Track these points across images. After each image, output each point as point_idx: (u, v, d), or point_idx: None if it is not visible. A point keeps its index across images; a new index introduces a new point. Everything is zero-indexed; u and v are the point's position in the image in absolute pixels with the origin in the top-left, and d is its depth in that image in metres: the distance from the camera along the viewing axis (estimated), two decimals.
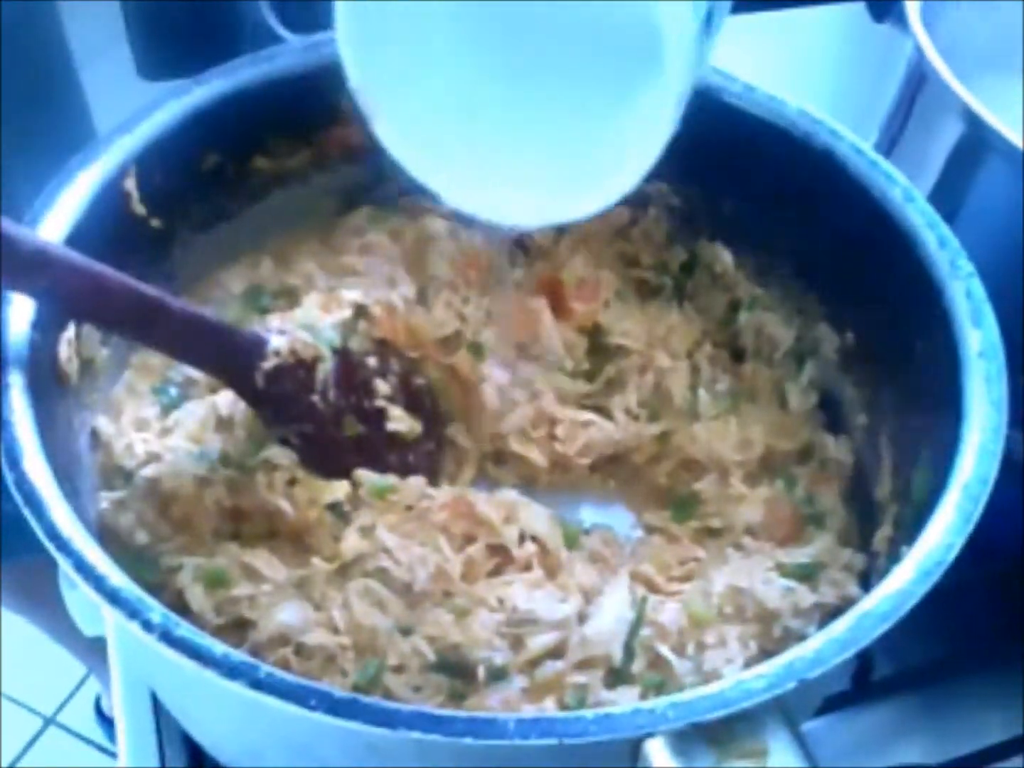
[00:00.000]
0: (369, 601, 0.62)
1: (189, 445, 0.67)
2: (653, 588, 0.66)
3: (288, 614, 0.61)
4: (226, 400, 0.68)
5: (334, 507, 0.66)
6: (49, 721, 1.71)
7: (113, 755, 1.61)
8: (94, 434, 0.67)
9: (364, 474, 0.67)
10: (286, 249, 0.77)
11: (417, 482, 0.67)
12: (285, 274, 0.76)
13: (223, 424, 0.68)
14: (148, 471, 0.65)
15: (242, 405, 0.67)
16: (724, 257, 0.78)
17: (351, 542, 0.64)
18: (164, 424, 0.69)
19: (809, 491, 0.71)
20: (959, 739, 0.76)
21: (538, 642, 0.62)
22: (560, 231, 0.79)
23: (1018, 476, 0.76)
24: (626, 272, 0.79)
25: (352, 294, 0.71)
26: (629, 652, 0.62)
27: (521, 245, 0.79)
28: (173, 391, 0.70)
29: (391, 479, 0.67)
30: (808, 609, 0.64)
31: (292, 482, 0.66)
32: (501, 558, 0.66)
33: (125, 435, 0.67)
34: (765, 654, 0.61)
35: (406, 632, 0.61)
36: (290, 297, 0.74)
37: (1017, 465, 0.72)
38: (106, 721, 1.63)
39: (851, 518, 0.70)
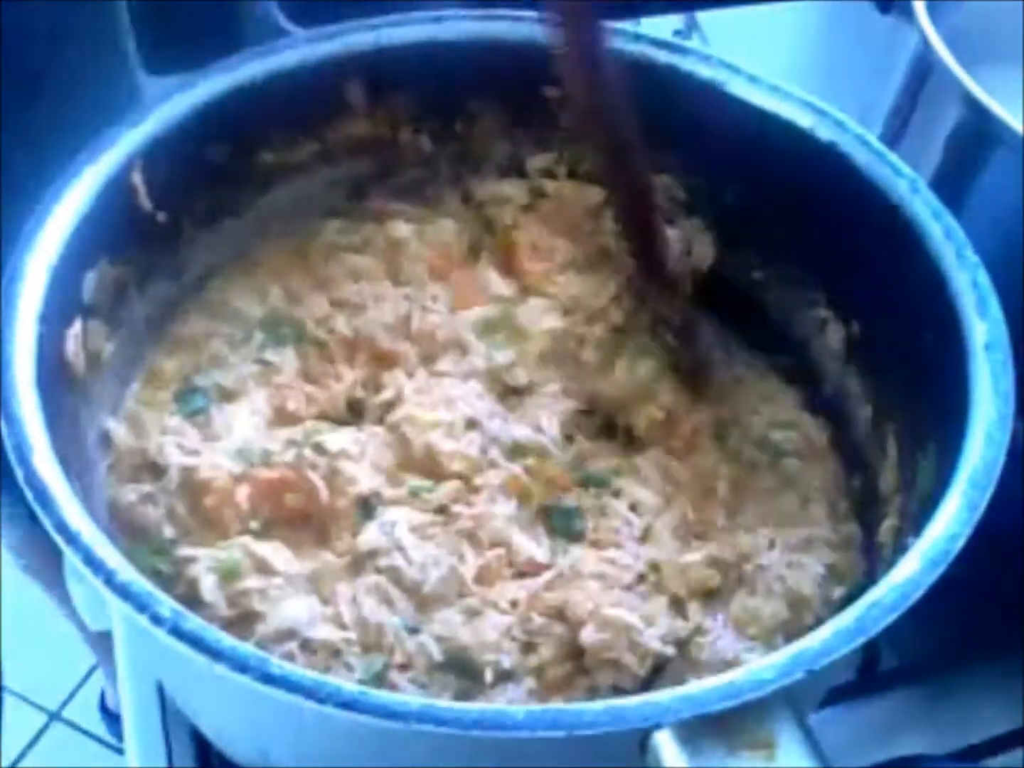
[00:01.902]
0: (378, 598, 0.62)
1: (231, 445, 0.67)
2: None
3: (296, 608, 0.61)
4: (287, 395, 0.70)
5: (365, 503, 0.66)
6: (54, 716, 1.72)
7: (118, 751, 1.62)
8: (106, 436, 0.67)
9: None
10: (272, 272, 0.77)
11: (455, 485, 0.67)
12: (295, 306, 0.75)
13: (285, 418, 0.69)
14: (188, 460, 0.66)
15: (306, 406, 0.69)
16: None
17: (369, 535, 0.64)
18: (206, 429, 0.69)
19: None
20: (965, 730, 0.76)
21: (551, 651, 0.62)
22: (528, 208, 0.80)
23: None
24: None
25: None
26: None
27: (488, 226, 0.80)
28: (199, 399, 0.71)
29: (428, 483, 0.67)
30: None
31: (333, 472, 0.66)
32: (523, 566, 0.65)
33: (152, 438, 0.68)
34: None
35: (413, 631, 0.61)
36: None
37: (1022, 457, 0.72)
38: (111, 717, 1.64)
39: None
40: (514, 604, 0.63)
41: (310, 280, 0.76)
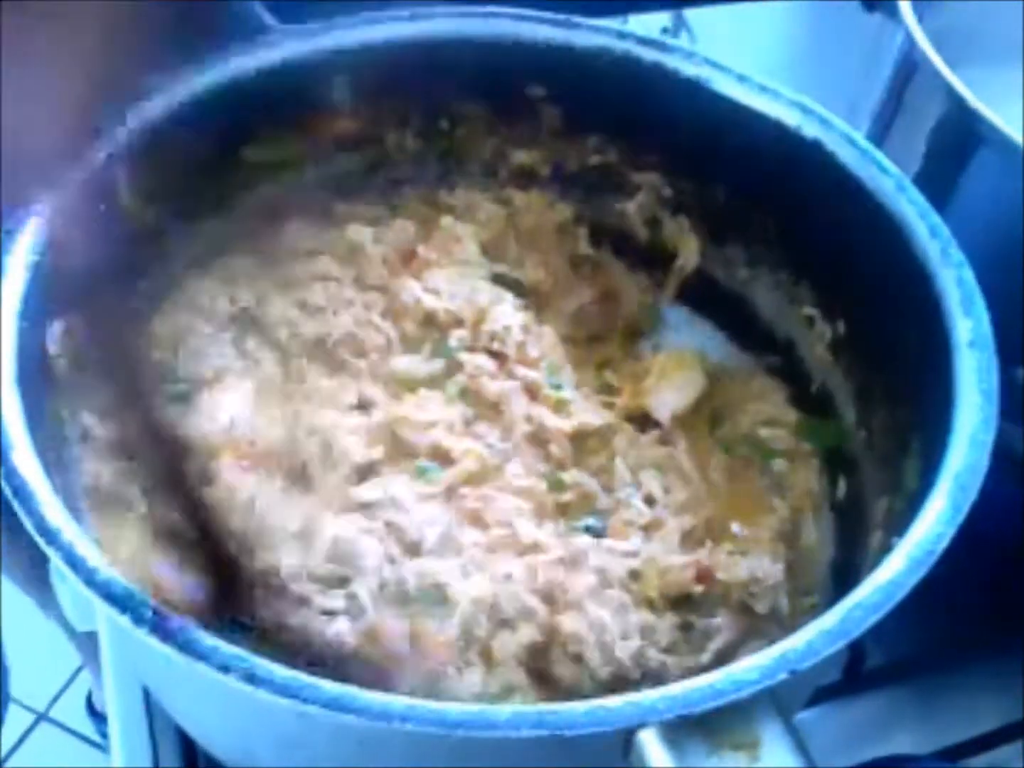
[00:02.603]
0: (375, 536, 0.62)
1: (219, 420, 0.67)
2: None
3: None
4: None
5: (362, 471, 0.65)
6: (41, 717, 1.71)
7: (106, 751, 1.61)
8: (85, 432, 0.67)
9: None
10: (235, 273, 0.76)
11: (467, 469, 0.67)
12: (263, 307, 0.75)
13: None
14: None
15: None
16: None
17: (368, 488, 0.64)
18: (192, 410, 0.69)
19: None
20: (950, 728, 0.76)
21: (529, 632, 0.61)
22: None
23: (1010, 468, 0.76)
24: None
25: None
26: None
27: None
28: (181, 387, 0.71)
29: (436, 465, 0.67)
30: None
31: (326, 445, 0.66)
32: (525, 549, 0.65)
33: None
34: None
35: (394, 561, 0.61)
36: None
37: (1009, 457, 0.72)
38: (98, 717, 1.63)
39: None
40: (508, 577, 0.62)
41: (276, 281, 0.76)
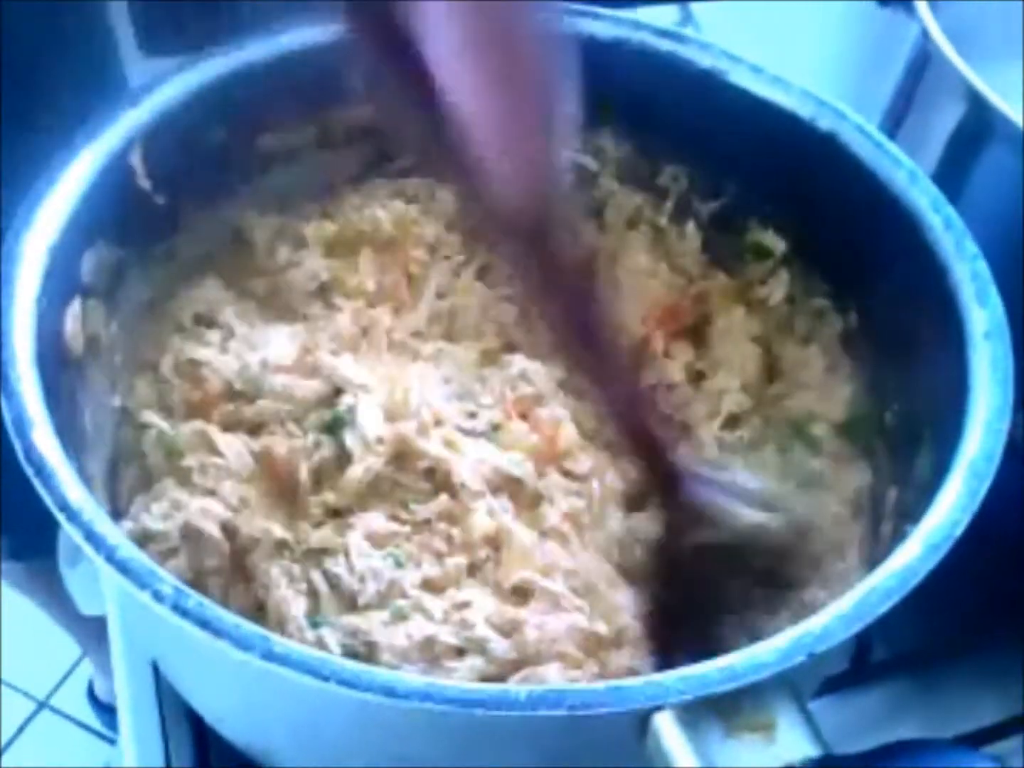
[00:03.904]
0: (306, 593, 0.61)
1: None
2: None
3: None
4: None
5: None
6: (42, 705, 1.71)
7: (107, 739, 1.61)
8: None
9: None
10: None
11: (446, 505, 0.64)
12: None
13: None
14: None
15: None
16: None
17: (323, 534, 0.62)
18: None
19: None
20: (953, 721, 0.76)
21: (481, 664, 0.59)
22: None
23: (1018, 461, 0.76)
24: None
25: None
26: None
27: None
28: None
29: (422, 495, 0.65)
30: None
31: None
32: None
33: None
34: None
35: (317, 624, 0.60)
36: None
37: (1017, 450, 0.72)
38: (99, 705, 1.63)
39: None
40: (464, 605, 0.60)
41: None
